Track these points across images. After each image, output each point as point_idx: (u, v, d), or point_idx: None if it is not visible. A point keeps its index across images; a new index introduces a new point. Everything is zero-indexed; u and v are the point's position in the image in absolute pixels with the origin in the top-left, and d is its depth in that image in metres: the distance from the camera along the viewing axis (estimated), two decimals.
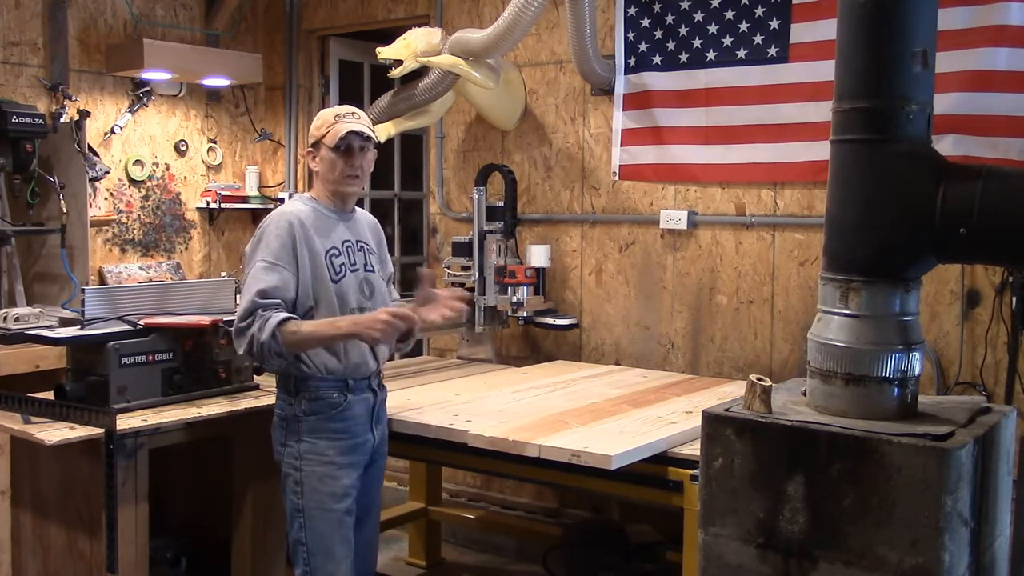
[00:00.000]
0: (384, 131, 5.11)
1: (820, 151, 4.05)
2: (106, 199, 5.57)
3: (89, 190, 5.28)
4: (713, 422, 2.54)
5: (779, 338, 4.61)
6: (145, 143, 5.75)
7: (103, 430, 3.32)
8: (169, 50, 5.48)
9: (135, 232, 5.71)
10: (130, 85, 5.64)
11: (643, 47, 4.89)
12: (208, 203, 5.94)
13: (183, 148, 5.92)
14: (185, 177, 5.96)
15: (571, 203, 5.19)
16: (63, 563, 3.64)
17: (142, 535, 3.48)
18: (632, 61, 4.93)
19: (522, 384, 4.42)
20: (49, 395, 3.59)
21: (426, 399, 4.08)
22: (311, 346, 3.32)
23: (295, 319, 3.27)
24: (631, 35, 4.92)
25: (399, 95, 5.23)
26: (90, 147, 5.31)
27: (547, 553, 4.91)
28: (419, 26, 5.32)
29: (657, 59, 4.85)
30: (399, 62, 4.90)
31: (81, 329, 3.65)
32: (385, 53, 4.91)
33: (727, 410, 2.64)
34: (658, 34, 4.84)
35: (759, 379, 2.55)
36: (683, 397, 4.16)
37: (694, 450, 3.14)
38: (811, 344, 2.67)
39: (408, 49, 4.88)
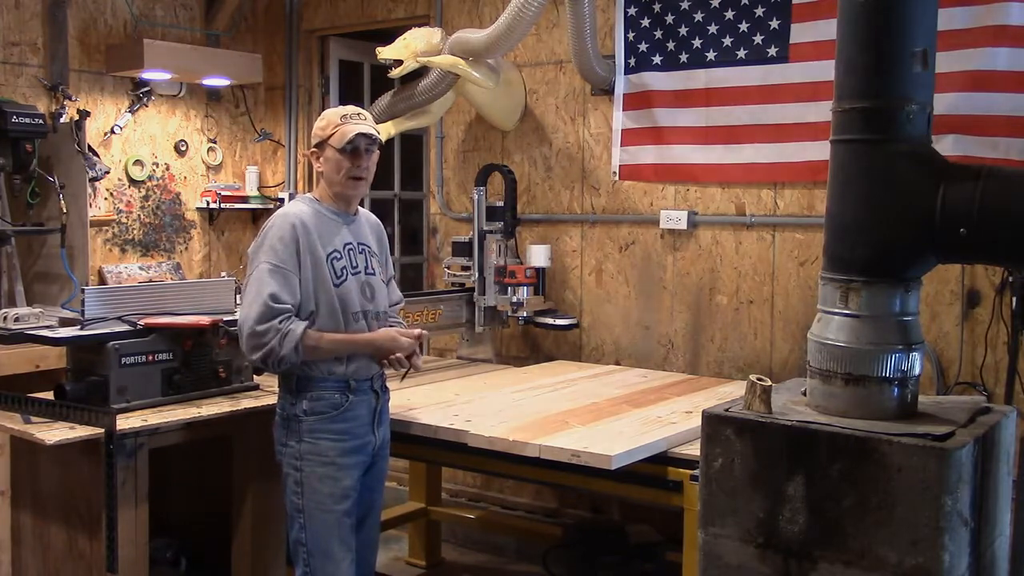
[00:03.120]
0: (384, 131, 5.10)
1: (820, 151, 4.05)
2: (106, 199, 5.57)
3: (89, 190, 5.28)
4: (713, 422, 2.54)
5: (779, 338, 4.61)
6: (145, 143, 5.75)
7: (103, 430, 3.32)
8: (169, 50, 5.48)
9: (135, 232, 5.71)
10: (130, 85, 5.64)
11: (643, 47, 4.89)
12: (208, 203, 5.94)
13: (183, 148, 5.93)
14: (185, 177, 5.96)
15: (571, 203, 5.19)
16: (63, 563, 3.64)
17: (142, 535, 3.48)
18: (632, 61, 4.93)
19: (522, 384, 4.42)
20: (49, 395, 3.59)
21: (426, 399, 4.08)
22: (325, 357, 3.34)
23: (312, 330, 3.29)
24: (631, 35, 4.92)
25: (399, 95, 5.23)
26: (90, 147, 5.31)
27: (547, 553, 4.91)
28: (419, 26, 5.34)
29: (657, 59, 4.85)
30: (399, 62, 4.90)
31: (81, 329, 3.65)
32: (385, 53, 4.91)
33: (727, 410, 2.64)
34: (658, 34, 4.84)
35: (759, 379, 2.55)
36: (683, 397, 4.15)
37: (694, 450, 3.14)
38: (811, 344, 2.67)
39: (408, 49, 4.89)
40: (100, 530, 3.39)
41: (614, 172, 5.04)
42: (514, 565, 5.27)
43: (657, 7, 4.84)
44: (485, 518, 5.30)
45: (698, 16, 4.73)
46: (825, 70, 4.37)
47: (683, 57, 4.79)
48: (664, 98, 4.86)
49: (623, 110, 4.97)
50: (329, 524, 3.37)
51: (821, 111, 4.40)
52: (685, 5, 4.75)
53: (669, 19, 4.81)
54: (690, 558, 3.28)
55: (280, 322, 3.23)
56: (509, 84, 5.18)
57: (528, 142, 5.31)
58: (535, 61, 5.25)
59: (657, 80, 4.86)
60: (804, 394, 2.76)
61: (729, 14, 4.65)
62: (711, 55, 4.71)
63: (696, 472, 3.04)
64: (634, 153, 4.96)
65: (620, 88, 4.96)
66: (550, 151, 5.24)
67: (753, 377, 2.55)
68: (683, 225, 4.80)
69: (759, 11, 4.57)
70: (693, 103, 4.78)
